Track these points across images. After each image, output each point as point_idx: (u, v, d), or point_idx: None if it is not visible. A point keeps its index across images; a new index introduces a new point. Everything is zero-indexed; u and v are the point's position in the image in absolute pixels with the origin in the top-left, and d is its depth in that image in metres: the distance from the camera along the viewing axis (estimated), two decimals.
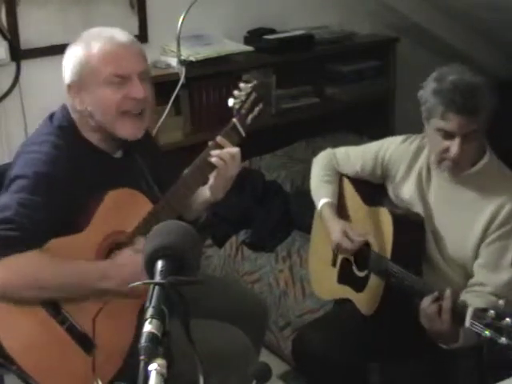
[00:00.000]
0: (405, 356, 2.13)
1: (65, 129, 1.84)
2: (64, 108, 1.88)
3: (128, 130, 1.84)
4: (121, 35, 1.82)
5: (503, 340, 1.61)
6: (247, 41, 3.43)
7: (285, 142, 3.63)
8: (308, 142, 3.68)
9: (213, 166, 1.90)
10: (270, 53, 3.37)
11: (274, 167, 3.44)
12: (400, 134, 2.31)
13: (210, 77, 3.22)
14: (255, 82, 1.97)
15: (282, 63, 3.46)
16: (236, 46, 3.29)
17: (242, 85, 1.97)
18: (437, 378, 2.12)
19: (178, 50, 2.98)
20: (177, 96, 3.02)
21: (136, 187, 1.88)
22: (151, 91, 1.88)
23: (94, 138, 1.86)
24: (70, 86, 1.82)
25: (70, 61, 1.82)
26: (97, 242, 1.79)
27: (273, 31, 3.49)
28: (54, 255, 1.72)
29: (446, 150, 1.95)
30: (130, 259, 1.77)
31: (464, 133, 1.91)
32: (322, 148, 2.46)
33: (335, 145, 2.45)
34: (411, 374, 2.19)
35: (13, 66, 2.81)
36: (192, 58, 3.06)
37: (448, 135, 1.94)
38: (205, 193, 2.01)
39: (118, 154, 1.92)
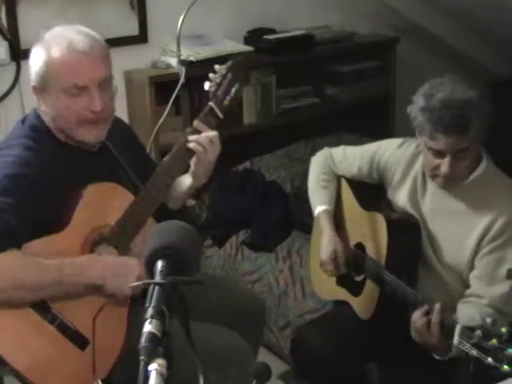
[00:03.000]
0: (403, 358, 2.13)
1: (37, 128, 1.84)
2: (36, 108, 1.88)
3: (88, 136, 1.84)
4: (83, 40, 1.79)
5: (490, 361, 1.60)
6: (247, 41, 3.43)
7: (285, 141, 3.63)
8: (308, 142, 3.68)
9: (192, 152, 1.88)
10: (270, 53, 3.37)
11: (274, 167, 3.44)
12: (400, 134, 2.30)
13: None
14: (229, 63, 1.95)
15: (281, 63, 3.46)
16: (236, 46, 3.29)
17: (216, 67, 1.96)
18: (435, 378, 2.12)
19: (178, 50, 2.98)
20: (177, 96, 3.02)
21: (115, 180, 1.87)
22: (112, 95, 1.86)
23: (61, 136, 1.86)
24: (34, 88, 1.83)
25: (33, 62, 1.81)
26: (80, 239, 1.78)
27: (273, 31, 3.49)
28: (37, 255, 1.70)
29: (437, 167, 1.94)
30: (115, 262, 1.77)
31: (454, 151, 1.89)
32: (322, 148, 2.46)
33: (335, 145, 2.45)
34: (411, 373, 2.19)
35: (13, 66, 2.81)
36: (192, 58, 3.06)
37: (438, 153, 1.92)
38: (187, 180, 2.00)
39: (95, 149, 1.91)
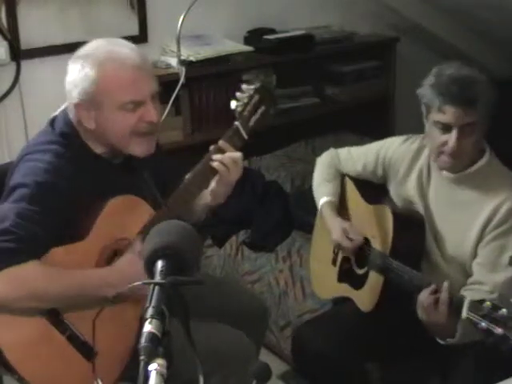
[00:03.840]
0: (404, 354, 2.14)
1: (67, 136, 1.81)
2: (65, 114, 1.85)
3: (140, 149, 1.83)
4: (132, 55, 1.78)
5: (499, 331, 1.62)
6: (247, 41, 3.43)
7: (285, 141, 3.63)
8: (308, 142, 3.68)
9: (215, 171, 1.88)
10: (270, 53, 3.37)
11: (274, 167, 3.44)
12: (400, 134, 2.31)
13: (209, 77, 3.22)
14: (258, 85, 1.95)
15: (281, 63, 3.46)
16: (236, 46, 3.29)
17: (244, 86, 1.95)
18: (436, 377, 2.12)
19: (178, 50, 2.98)
20: (177, 96, 3.02)
21: (137, 193, 1.86)
22: (159, 106, 1.87)
23: (97, 148, 1.84)
24: (77, 105, 1.78)
25: (80, 80, 1.76)
26: (97, 250, 1.77)
27: (273, 31, 3.49)
28: (55, 264, 1.69)
29: (444, 143, 1.96)
30: (128, 263, 1.76)
31: (460, 124, 1.92)
32: (322, 148, 2.47)
33: (335, 145, 2.46)
34: (410, 372, 2.19)
35: (13, 66, 2.81)
36: (192, 58, 3.06)
37: (445, 128, 1.94)
38: (205, 197, 1.98)
39: (118, 160, 1.90)
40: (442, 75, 1.96)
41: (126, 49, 1.80)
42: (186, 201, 1.89)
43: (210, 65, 3.12)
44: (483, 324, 1.66)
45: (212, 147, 1.90)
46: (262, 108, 1.94)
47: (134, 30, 3.12)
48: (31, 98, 2.85)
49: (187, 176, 1.90)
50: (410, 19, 3.94)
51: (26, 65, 2.82)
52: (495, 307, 1.66)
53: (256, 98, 1.93)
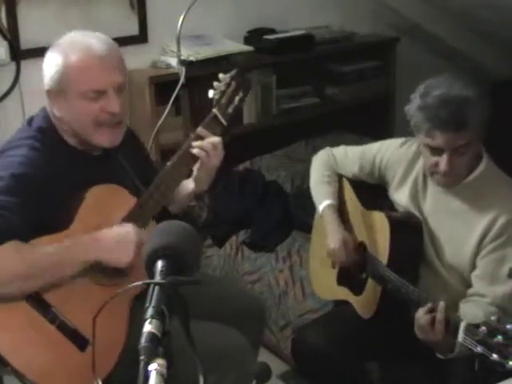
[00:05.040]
0: (403, 357, 2.13)
1: (44, 130, 1.85)
2: (44, 110, 1.89)
3: (105, 139, 1.85)
4: (99, 45, 1.80)
5: (495, 357, 1.60)
6: (247, 41, 3.43)
7: (285, 141, 3.63)
8: (308, 142, 3.68)
9: (195, 158, 1.90)
10: (270, 53, 3.37)
11: (274, 167, 3.44)
12: (400, 134, 2.30)
13: (210, 77, 3.21)
14: (234, 72, 1.98)
15: (282, 63, 3.46)
16: (236, 46, 3.29)
17: (221, 75, 1.98)
18: (435, 377, 2.12)
19: (178, 50, 2.98)
20: (177, 96, 3.02)
21: (118, 182, 1.88)
22: (127, 99, 1.89)
23: (72, 140, 1.87)
24: (48, 92, 1.83)
25: (49, 67, 1.82)
26: None
27: (273, 31, 3.49)
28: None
29: (436, 164, 1.93)
30: (107, 234, 1.77)
31: (452, 148, 1.88)
32: (322, 148, 2.46)
33: (335, 145, 2.45)
34: (411, 373, 2.19)
35: (13, 66, 2.81)
36: (192, 58, 3.06)
37: (436, 151, 1.91)
38: (189, 185, 2.02)
39: (98, 153, 1.92)
40: (429, 95, 1.88)
41: (94, 39, 1.82)
42: (168, 188, 1.90)
43: (210, 65, 3.12)
44: (479, 349, 1.63)
45: (191, 134, 1.92)
46: (240, 95, 1.97)
47: (134, 29, 3.12)
48: (31, 98, 2.84)
49: (168, 163, 1.92)
50: (410, 19, 3.94)
51: (25, 65, 2.81)
52: (491, 333, 1.62)
53: (233, 85, 1.96)
